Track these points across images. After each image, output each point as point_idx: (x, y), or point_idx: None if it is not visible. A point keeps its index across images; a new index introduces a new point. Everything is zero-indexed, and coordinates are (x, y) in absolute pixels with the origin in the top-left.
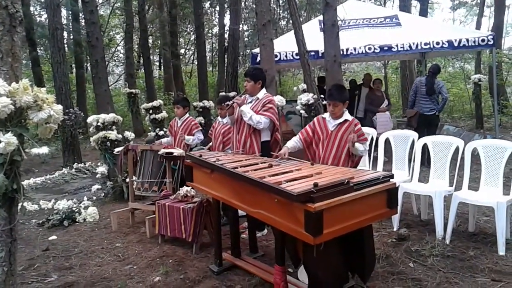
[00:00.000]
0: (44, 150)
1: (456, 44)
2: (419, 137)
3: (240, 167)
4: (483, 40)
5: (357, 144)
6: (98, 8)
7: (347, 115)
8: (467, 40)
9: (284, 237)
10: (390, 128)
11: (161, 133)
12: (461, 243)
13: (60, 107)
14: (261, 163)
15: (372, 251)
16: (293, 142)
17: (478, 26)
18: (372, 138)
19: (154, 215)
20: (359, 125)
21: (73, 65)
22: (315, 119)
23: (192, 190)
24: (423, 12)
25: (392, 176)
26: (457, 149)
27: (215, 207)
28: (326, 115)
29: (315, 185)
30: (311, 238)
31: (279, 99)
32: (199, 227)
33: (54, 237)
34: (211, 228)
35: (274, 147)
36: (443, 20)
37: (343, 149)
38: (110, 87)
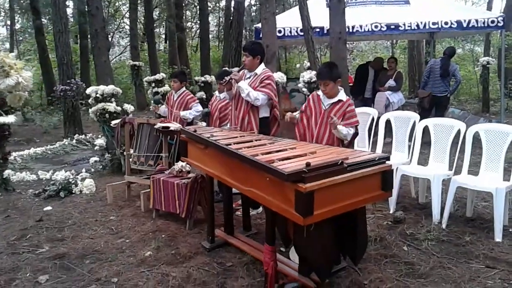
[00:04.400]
0: (10, 119)
1: (465, 25)
2: (423, 116)
3: (234, 143)
4: (492, 22)
5: (339, 127)
6: None
7: (341, 95)
8: (476, 21)
9: (275, 216)
10: (394, 108)
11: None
12: (457, 228)
13: (29, 74)
14: (256, 140)
15: (364, 233)
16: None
17: (489, 7)
18: (372, 119)
19: (149, 190)
20: (352, 107)
21: (78, 35)
22: (310, 95)
23: (187, 165)
24: None
25: (388, 158)
26: (458, 132)
27: (209, 183)
28: (320, 93)
29: (307, 164)
30: (301, 218)
31: (279, 76)
32: (193, 203)
33: (49, 207)
34: (205, 204)
35: (273, 124)
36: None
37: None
38: (115, 59)
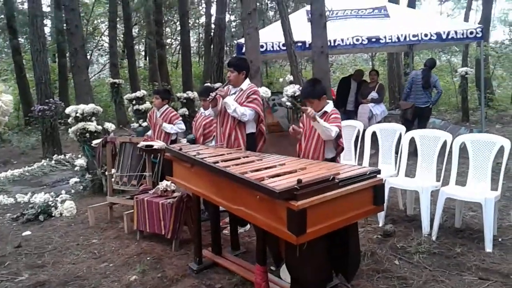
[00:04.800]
0: None
1: (444, 37)
2: (410, 130)
3: (221, 161)
4: (471, 33)
5: (319, 119)
6: None
7: (328, 107)
8: (456, 32)
9: (266, 235)
10: (378, 120)
11: (145, 124)
12: (447, 239)
13: (10, 97)
14: (244, 157)
15: (357, 250)
16: None
17: (466, 19)
18: (358, 131)
19: (132, 210)
20: (336, 114)
21: (56, 54)
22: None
23: (172, 184)
24: (411, 4)
25: (379, 172)
26: (444, 143)
27: (195, 202)
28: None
29: (299, 181)
30: (294, 237)
31: (264, 91)
32: (179, 223)
33: (28, 232)
34: (191, 224)
35: (259, 139)
36: (429, 12)
37: (323, 142)
38: (94, 77)
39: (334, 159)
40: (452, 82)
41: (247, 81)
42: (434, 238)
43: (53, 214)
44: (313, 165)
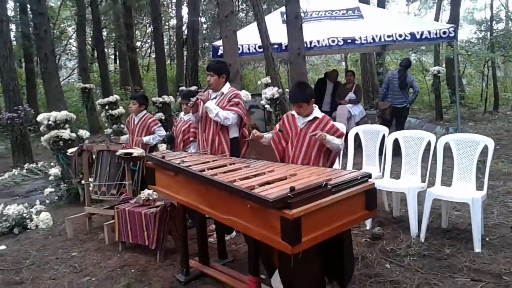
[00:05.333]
0: None
1: (418, 37)
2: (389, 130)
3: (208, 169)
4: (444, 32)
5: (329, 137)
6: None
7: (316, 112)
8: (429, 32)
9: (258, 245)
10: (356, 120)
11: (124, 136)
12: (436, 240)
13: None
14: (230, 164)
15: (351, 256)
16: (269, 134)
17: (436, 19)
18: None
19: (113, 221)
20: (331, 122)
21: (22, 59)
22: (284, 116)
23: (154, 193)
24: (381, 4)
25: (370, 176)
26: (428, 143)
27: (180, 211)
28: (295, 112)
29: (292, 189)
30: (289, 247)
31: (244, 94)
32: (163, 233)
33: (3, 247)
34: (176, 233)
35: (242, 143)
36: (398, 13)
37: (313, 148)
38: (63, 82)
39: (329, 164)
40: (424, 81)
41: (228, 84)
42: (422, 239)
43: (28, 227)
44: (302, 170)
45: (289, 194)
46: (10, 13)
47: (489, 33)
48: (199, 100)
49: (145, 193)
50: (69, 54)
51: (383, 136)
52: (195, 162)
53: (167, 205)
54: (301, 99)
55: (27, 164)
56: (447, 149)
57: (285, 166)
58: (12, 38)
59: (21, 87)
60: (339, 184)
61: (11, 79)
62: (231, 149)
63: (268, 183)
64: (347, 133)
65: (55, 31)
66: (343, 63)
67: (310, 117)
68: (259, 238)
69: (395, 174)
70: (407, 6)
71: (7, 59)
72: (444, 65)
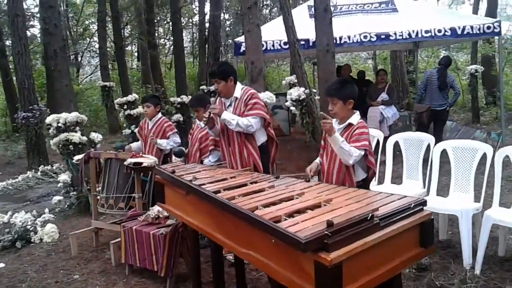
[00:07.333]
0: None
1: (459, 32)
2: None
3: (224, 190)
4: (488, 28)
5: (338, 137)
6: None
7: (353, 118)
8: (471, 27)
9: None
10: (389, 123)
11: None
12: (494, 273)
13: None
14: (251, 183)
15: None
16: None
17: (475, 11)
18: (378, 141)
19: (119, 239)
20: (363, 129)
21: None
22: None
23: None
24: None
25: (425, 203)
26: (483, 156)
27: (192, 233)
28: (334, 120)
29: (329, 224)
30: None
31: (268, 96)
32: (173, 258)
33: (1, 265)
34: (188, 256)
35: (271, 146)
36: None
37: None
38: (86, 79)
39: (365, 183)
40: (458, 81)
41: (239, 86)
42: (478, 272)
43: (32, 240)
44: (338, 193)
45: (326, 232)
46: (35, 9)
47: None
48: (212, 115)
49: (155, 210)
50: (91, 51)
51: (428, 146)
52: (210, 179)
53: (179, 225)
54: (335, 93)
55: (42, 166)
56: (505, 162)
57: (317, 187)
58: (38, 34)
59: (42, 85)
60: (388, 215)
61: (26, 77)
62: (261, 156)
63: (298, 212)
64: (384, 138)
65: (78, 28)
66: (369, 61)
67: (345, 124)
68: (286, 284)
69: (442, 189)
70: (437, 1)
71: (22, 55)
72: (480, 63)
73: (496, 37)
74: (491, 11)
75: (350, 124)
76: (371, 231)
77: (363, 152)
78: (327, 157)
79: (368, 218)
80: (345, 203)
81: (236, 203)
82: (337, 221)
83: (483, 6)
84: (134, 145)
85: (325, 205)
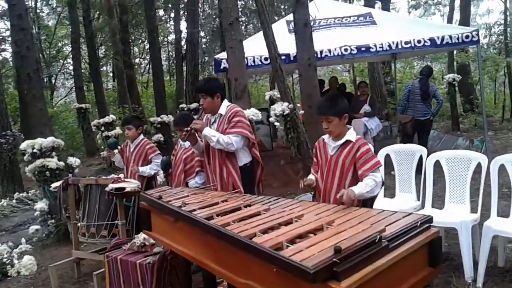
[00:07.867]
0: None
1: (439, 42)
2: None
3: (217, 215)
4: (467, 37)
5: (358, 190)
6: (36, 13)
7: (350, 135)
8: (450, 37)
9: None
10: (373, 134)
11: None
12: (496, 285)
13: None
14: (245, 206)
15: None
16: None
17: (449, 21)
18: None
19: (103, 269)
20: (366, 146)
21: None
22: (316, 142)
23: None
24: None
25: (431, 220)
26: (478, 165)
27: (183, 260)
28: (326, 136)
29: (337, 250)
30: None
31: (254, 113)
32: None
33: None
34: (178, 286)
35: (256, 167)
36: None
37: (347, 177)
38: (60, 102)
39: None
40: None
41: (225, 103)
42: (480, 285)
43: (9, 274)
44: (339, 213)
45: (334, 259)
46: (5, 31)
47: (502, 37)
48: (193, 129)
49: (140, 237)
50: (65, 73)
51: (420, 157)
52: (200, 204)
53: (167, 253)
54: (330, 111)
55: (17, 193)
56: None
57: (315, 207)
58: (10, 58)
59: (15, 109)
60: (396, 235)
61: None
62: (244, 178)
63: (300, 236)
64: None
65: (51, 50)
66: (346, 74)
67: (342, 140)
68: None
69: (436, 201)
70: (407, 13)
71: None
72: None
73: (474, 46)
74: (465, 20)
75: (348, 141)
76: (380, 254)
77: (381, 172)
78: (322, 176)
79: (377, 240)
80: (348, 225)
81: (232, 229)
82: (345, 246)
83: (456, 15)
84: (117, 157)
85: (327, 227)
